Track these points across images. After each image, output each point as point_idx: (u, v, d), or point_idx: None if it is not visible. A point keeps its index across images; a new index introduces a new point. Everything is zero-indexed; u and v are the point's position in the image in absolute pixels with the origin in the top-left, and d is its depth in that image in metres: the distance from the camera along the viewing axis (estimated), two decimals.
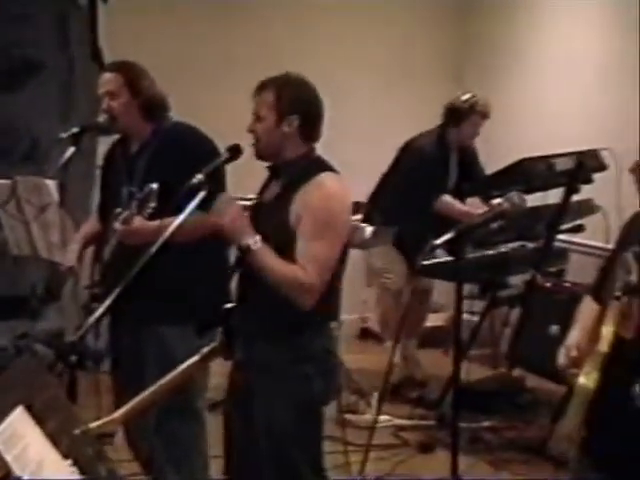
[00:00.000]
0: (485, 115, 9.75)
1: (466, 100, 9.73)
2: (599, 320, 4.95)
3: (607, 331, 4.85)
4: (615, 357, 4.79)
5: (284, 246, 5.36)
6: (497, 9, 12.17)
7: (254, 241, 5.31)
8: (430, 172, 9.59)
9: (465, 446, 7.76)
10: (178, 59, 8.78)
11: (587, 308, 5.24)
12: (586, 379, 4.81)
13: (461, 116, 9.67)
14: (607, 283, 5.10)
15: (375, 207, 9.63)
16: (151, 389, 5.63)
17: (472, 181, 9.91)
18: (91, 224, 6.86)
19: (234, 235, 5.39)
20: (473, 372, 9.04)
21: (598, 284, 5.28)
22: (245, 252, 5.32)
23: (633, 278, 4.84)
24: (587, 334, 5.04)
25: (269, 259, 5.29)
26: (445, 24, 12.38)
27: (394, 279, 9.36)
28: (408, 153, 9.70)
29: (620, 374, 4.75)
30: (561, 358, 5.03)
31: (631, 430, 4.74)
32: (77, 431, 3.96)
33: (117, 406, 6.02)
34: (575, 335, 5.10)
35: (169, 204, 5.69)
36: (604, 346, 4.81)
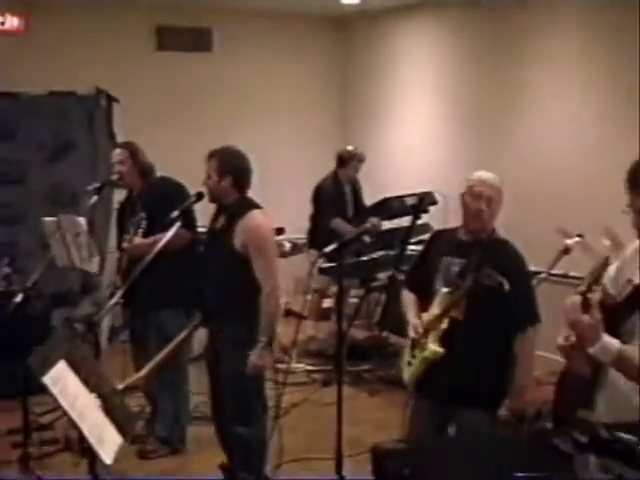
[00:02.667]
0: (361, 160, 9.77)
1: (348, 150, 9.77)
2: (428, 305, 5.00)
3: (433, 313, 4.95)
4: (450, 331, 4.85)
5: (230, 261, 5.59)
6: (372, 79, 11.81)
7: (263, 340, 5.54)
8: (327, 202, 9.59)
9: (350, 381, 8.06)
10: (163, 140, 8.84)
11: (408, 297, 5.29)
12: (434, 346, 4.85)
13: (345, 161, 9.69)
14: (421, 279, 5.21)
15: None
16: (159, 356, 5.93)
17: (358, 210, 9.83)
18: None
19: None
20: (357, 334, 9.37)
21: (410, 280, 5.42)
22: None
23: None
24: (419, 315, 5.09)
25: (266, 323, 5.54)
26: (333, 95, 12.07)
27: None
28: (316, 191, 9.68)
29: (457, 337, 4.83)
30: (411, 332, 5.05)
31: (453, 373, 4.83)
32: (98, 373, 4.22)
33: (136, 365, 6.36)
34: (413, 318, 5.11)
35: (157, 228, 6.01)
36: (445, 324, 4.84)
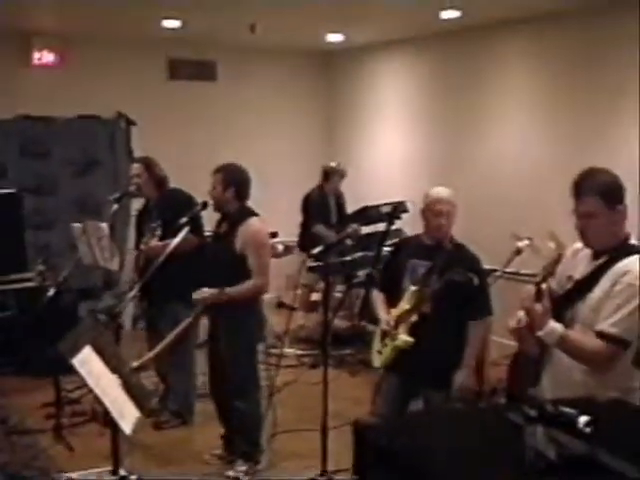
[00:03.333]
0: (342, 174, 9.82)
1: (331, 166, 9.80)
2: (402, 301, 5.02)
3: (403, 307, 4.99)
4: (420, 323, 4.91)
5: (231, 260, 5.62)
6: (354, 106, 11.86)
7: (223, 293, 5.58)
8: (313, 210, 9.61)
9: (334, 364, 8.04)
10: (174, 156, 8.84)
11: (377, 296, 5.35)
12: (405, 336, 4.90)
13: (329, 175, 9.73)
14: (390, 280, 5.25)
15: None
16: (167, 339, 5.96)
17: (341, 217, 9.85)
18: None
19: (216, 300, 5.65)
20: (340, 324, 9.37)
21: (381, 281, 5.48)
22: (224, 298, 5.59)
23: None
24: (388, 311, 5.13)
25: (237, 292, 5.58)
26: (320, 119, 12.05)
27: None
28: (304, 201, 9.69)
29: (425, 327, 4.89)
30: (383, 325, 5.11)
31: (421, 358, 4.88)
32: (118, 357, 4.23)
33: (150, 349, 6.33)
34: (383, 313, 5.17)
35: (169, 233, 6.01)
36: (414, 317, 4.90)
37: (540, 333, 3.47)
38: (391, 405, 5.16)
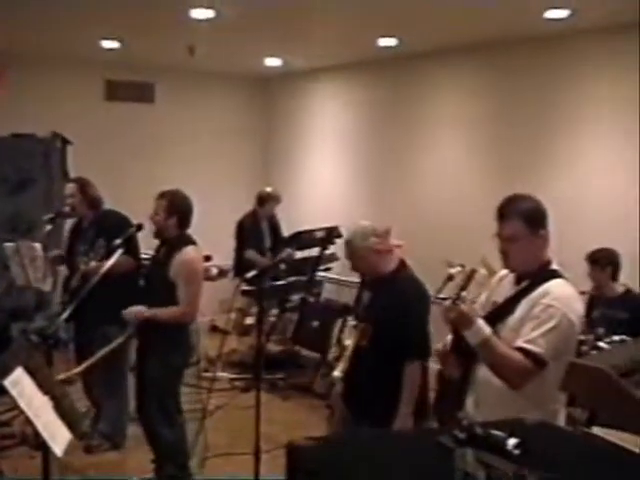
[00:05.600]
0: (277, 200, 9.83)
1: (266, 192, 9.80)
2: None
3: (345, 342, 4.87)
4: (357, 355, 4.73)
5: (165, 287, 5.64)
6: (290, 131, 11.93)
7: (150, 312, 5.63)
8: (246, 235, 9.56)
9: (267, 388, 8.03)
10: (109, 178, 8.79)
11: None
12: (336, 372, 4.71)
13: (264, 201, 9.72)
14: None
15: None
16: (96, 355, 5.91)
17: (276, 242, 9.84)
18: None
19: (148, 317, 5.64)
20: (273, 348, 9.38)
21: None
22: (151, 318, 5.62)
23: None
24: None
25: (163, 314, 5.61)
26: (256, 143, 12.11)
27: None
28: (237, 227, 9.64)
29: (362, 362, 4.70)
30: (330, 357, 5.17)
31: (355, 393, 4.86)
32: (50, 378, 4.19)
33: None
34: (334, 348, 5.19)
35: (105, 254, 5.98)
36: (348, 351, 4.70)
37: (466, 332, 3.52)
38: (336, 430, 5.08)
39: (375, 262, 4.82)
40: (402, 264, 4.91)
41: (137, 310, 5.67)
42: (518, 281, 3.70)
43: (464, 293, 3.58)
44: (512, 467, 2.04)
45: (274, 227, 10.07)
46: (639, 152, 7.27)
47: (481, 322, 3.52)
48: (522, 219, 3.61)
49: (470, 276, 3.63)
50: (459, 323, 3.56)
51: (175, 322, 5.66)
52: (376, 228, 4.86)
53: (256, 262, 8.91)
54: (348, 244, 4.89)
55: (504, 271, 3.84)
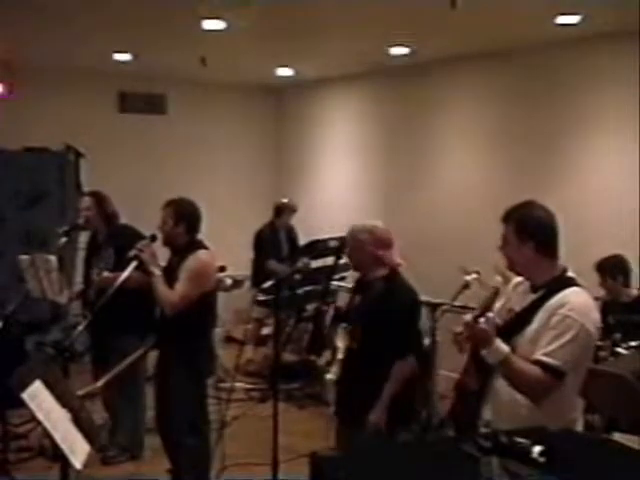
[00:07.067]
0: (293, 210, 9.94)
1: (282, 202, 9.91)
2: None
3: (338, 345, 4.91)
4: (348, 358, 4.84)
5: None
6: (303, 140, 11.96)
7: (158, 270, 5.60)
8: (265, 246, 9.63)
9: (283, 397, 7.93)
10: (123, 190, 8.79)
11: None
12: (331, 375, 4.88)
13: (280, 211, 9.83)
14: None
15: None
16: (115, 369, 5.89)
17: (293, 251, 9.91)
18: None
19: (148, 265, 5.60)
20: (288, 357, 9.35)
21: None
22: (151, 275, 5.57)
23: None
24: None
25: (160, 284, 5.53)
26: (270, 153, 12.15)
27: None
28: (255, 237, 9.70)
29: (352, 365, 4.80)
30: (322, 362, 5.20)
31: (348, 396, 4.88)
32: (68, 391, 4.18)
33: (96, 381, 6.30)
34: (327, 351, 5.15)
35: (120, 265, 5.95)
36: (340, 354, 4.84)
37: (484, 352, 3.51)
38: (339, 443, 5.02)
39: (370, 254, 4.83)
40: (394, 270, 4.90)
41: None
42: (534, 289, 3.68)
43: (488, 312, 3.57)
44: (538, 474, 2.02)
45: (292, 237, 10.16)
46: None
47: (499, 342, 3.49)
48: (514, 225, 3.64)
49: (495, 294, 3.62)
50: (478, 341, 3.54)
51: (160, 300, 5.60)
52: (377, 226, 4.92)
53: (277, 271, 8.93)
54: (350, 236, 4.96)
55: (519, 278, 3.82)
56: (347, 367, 4.84)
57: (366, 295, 4.88)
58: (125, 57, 9.19)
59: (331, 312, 5.19)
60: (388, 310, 4.71)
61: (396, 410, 4.74)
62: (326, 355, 5.09)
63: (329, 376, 4.87)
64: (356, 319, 4.84)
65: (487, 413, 3.67)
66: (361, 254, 4.88)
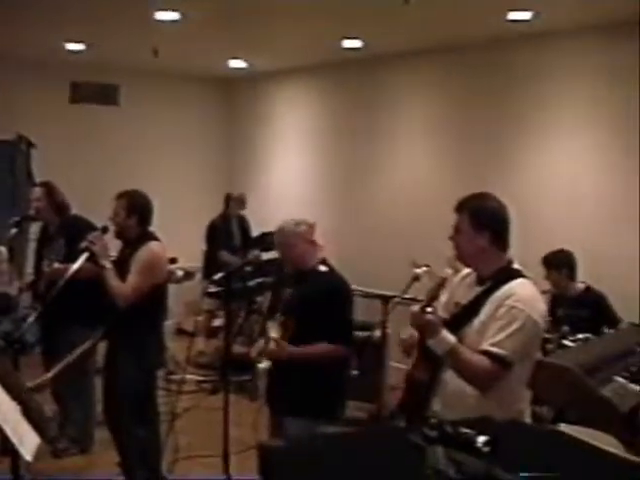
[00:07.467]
0: (241, 201, 10.06)
1: (232, 193, 10.02)
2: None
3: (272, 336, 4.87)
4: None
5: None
6: (255, 132, 12.00)
7: (109, 263, 5.54)
8: (217, 237, 9.70)
9: (235, 390, 7.92)
10: (76, 179, 8.75)
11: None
12: (264, 364, 4.89)
13: (231, 202, 9.93)
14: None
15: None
16: (64, 361, 5.84)
17: (246, 243, 9.96)
18: None
19: (99, 257, 5.55)
20: (239, 349, 9.32)
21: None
22: (102, 267, 5.52)
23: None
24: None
25: (111, 277, 5.48)
26: (222, 145, 12.13)
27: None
28: (208, 229, 9.78)
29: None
30: (253, 352, 5.06)
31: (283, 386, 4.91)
32: (18, 383, 4.15)
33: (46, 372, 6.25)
34: (260, 342, 5.07)
35: (72, 257, 5.92)
36: (272, 344, 4.79)
37: (431, 342, 3.56)
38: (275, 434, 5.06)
39: (304, 251, 4.94)
40: (324, 260, 5.03)
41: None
42: (480, 281, 3.73)
43: (435, 301, 3.64)
44: (482, 464, 2.06)
45: (244, 228, 10.20)
46: (605, 152, 7.38)
47: (445, 332, 3.54)
48: (468, 215, 3.68)
49: (441, 284, 3.67)
50: (425, 331, 3.60)
51: (111, 292, 5.54)
52: (306, 220, 5.01)
53: (229, 263, 8.95)
54: (280, 231, 5.01)
55: (466, 270, 3.88)
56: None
57: (298, 287, 4.96)
58: (78, 47, 9.14)
59: (266, 303, 5.22)
60: (320, 301, 4.80)
61: (324, 401, 4.86)
62: (258, 346, 5.07)
63: (262, 366, 4.91)
64: (289, 310, 4.90)
65: (437, 404, 3.73)
66: (291, 249, 4.97)
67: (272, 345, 4.83)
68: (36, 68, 10.25)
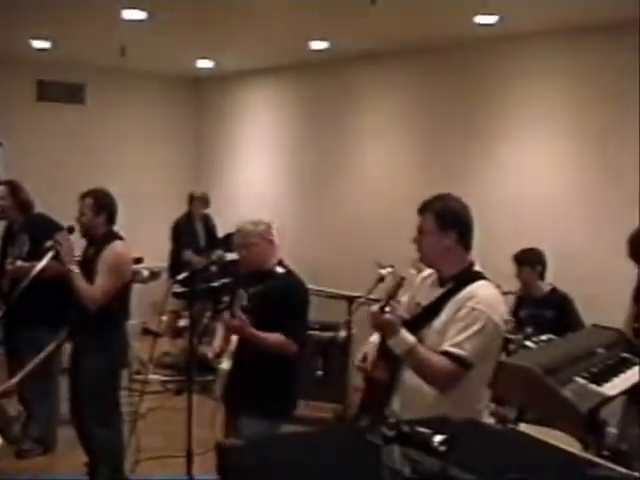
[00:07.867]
0: (204, 200, 10.02)
1: (195, 192, 9.98)
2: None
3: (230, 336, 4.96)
4: (240, 348, 4.88)
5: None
6: (222, 132, 11.96)
7: (75, 268, 5.50)
8: (181, 237, 9.69)
9: (199, 390, 7.98)
10: (41, 178, 8.73)
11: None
12: (225, 364, 4.92)
13: (195, 202, 9.90)
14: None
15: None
16: (30, 365, 5.83)
17: (211, 243, 9.94)
18: None
19: (65, 259, 5.54)
20: (205, 349, 9.30)
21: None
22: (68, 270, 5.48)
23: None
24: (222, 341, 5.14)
25: (80, 280, 5.46)
26: (188, 144, 12.11)
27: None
28: (172, 228, 9.78)
29: (243, 356, 4.88)
30: (210, 354, 5.16)
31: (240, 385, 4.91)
32: None
33: (11, 375, 6.23)
34: (216, 342, 5.23)
35: (36, 256, 5.91)
36: (232, 345, 4.91)
37: (390, 341, 3.59)
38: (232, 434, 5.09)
39: (264, 250, 4.99)
40: (280, 262, 5.08)
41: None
42: (442, 283, 3.76)
43: (393, 301, 3.66)
44: (437, 463, 2.09)
45: (209, 228, 10.17)
46: (572, 153, 7.45)
47: (404, 332, 3.57)
48: (434, 215, 3.70)
49: (399, 283, 3.69)
50: (384, 331, 3.63)
51: (80, 295, 5.52)
52: (264, 220, 5.08)
53: (193, 263, 8.95)
54: (240, 231, 5.05)
55: (427, 271, 3.91)
56: (238, 357, 4.92)
57: (255, 289, 4.98)
58: (43, 44, 9.10)
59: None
60: (277, 302, 4.86)
61: (278, 400, 4.93)
62: (214, 346, 5.15)
63: (223, 366, 4.93)
64: (248, 311, 4.90)
65: (395, 403, 3.76)
66: (251, 248, 5.01)
67: (236, 322, 4.83)
68: (2, 66, 10.18)
